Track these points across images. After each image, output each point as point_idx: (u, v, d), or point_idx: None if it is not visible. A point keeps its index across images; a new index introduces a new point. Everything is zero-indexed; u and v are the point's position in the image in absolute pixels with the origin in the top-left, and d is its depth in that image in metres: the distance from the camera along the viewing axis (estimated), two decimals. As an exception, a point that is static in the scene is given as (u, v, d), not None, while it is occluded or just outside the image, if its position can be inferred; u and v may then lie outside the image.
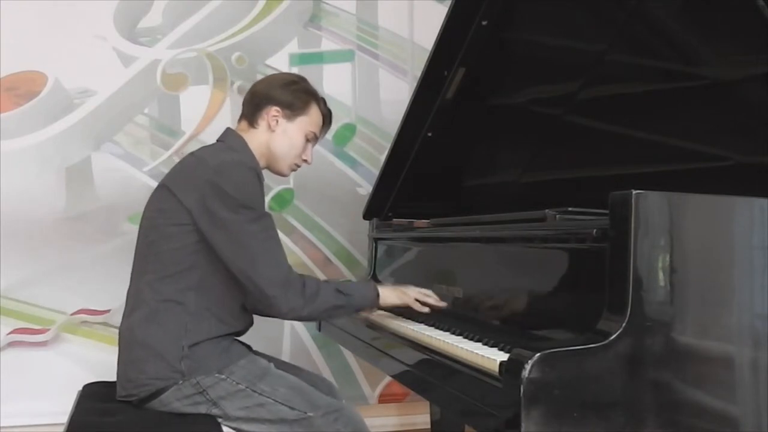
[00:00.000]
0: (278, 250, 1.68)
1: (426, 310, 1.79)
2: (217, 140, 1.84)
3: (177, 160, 2.60)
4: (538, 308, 1.49)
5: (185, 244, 1.66)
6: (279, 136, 1.83)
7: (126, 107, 2.82)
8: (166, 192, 1.71)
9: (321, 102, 1.88)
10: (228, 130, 1.85)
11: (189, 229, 1.65)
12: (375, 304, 1.78)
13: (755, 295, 1.25)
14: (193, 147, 2.36)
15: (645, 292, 1.18)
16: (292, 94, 1.83)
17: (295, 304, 1.64)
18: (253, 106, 1.83)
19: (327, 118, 1.91)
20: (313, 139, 1.88)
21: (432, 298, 1.81)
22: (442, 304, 1.80)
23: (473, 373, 1.35)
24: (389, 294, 1.80)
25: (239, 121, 1.87)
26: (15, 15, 2.70)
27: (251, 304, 1.75)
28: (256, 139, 1.82)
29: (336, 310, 1.74)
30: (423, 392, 1.69)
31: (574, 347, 1.15)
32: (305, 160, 1.89)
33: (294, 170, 1.91)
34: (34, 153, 2.75)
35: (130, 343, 1.68)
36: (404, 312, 1.86)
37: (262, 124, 1.83)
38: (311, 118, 1.86)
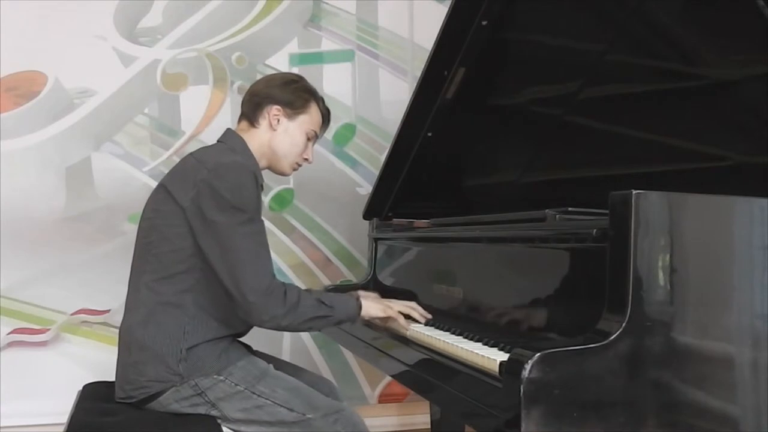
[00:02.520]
0: (265, 257, 1.65)
1: (409, 326, 1.76)
2: (218, 141, 1.84)
3: (177, 160, 2.60)
4: (538, 308, 1.49)
5: (184, 245, 1.65)
6: (281, 134, 1.83)
7: (126, 107, 2.83)
8: (164, 192, 1.71)
9: (320, 101, 1.89)
10: (228, 131, 1.85)
11: (187, 230, 1.65)
12: (356, 317, 1.75)
13: (755, 295, 1.25)
14: (193, 147, 2.36)
15: (645, 292, 1.18)
16: (293, 92, 1.84)
17: (275, 312, 1.60)
18: (254, 105, 1.83)
19: (326, 116, 1.91)
20: (313, 137, 1.89)
21: (416, 312, 1.79)
22: (426, 318, 1.79)
23: (473, 373, 1.35)
24: (372, 306, 1.77)
25: (239, 121, 1.87)
26: (15, 15, 2.70)
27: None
28: (258, 139, 1.82)
29: (316, 321, 1.69)
30: (423, 392, 1.69)
31: (574, 347, 1.15)
32: (306, 159, 1.89)
33: (295, 169, 1.91)
34: (34, 153, 2.75)
35: (129, 345, 1.68)
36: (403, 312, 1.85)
37: (264, 123, 1.83)
38: (311, 116, 1.86)
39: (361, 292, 1.97)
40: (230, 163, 1.67)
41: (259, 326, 1.66)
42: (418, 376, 1.66)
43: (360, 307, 1.74)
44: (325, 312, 1.68)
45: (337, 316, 1.71)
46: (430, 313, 1.80)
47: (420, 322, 1.78)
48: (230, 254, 1.60)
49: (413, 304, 1.82)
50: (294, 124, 1.84)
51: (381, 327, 1.87)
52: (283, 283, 1.65)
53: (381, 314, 1.77)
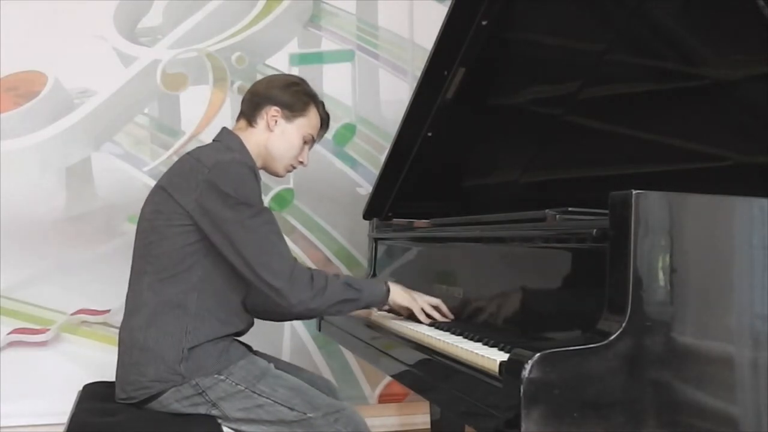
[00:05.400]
0: (281, 243, 1.67)
1: (428, 322, 1.76)
2: (213, 140, 1.85)
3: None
4: (538, 308, 1.49)
5: (184, 244, 1.65)
6: (277, 136, 1.83)
7: (126, 107, 2.83)
8: (163, 193, 1.71)
9: (320, 105, 1.89)
10: (224, 130, 1.85)
11: (187, 230, 1.65)
12: (385, 300, 1.76)
13: (755, 295, 1.25)
14: (193, 147, 2.36)
15: (645, 292, 1.18)
16: (293, 95, 1.84)
17: (303, 296, 1.62)
18: (253, 105, 1.84)
19: (325, 121, 1.91)
20: (310, 141, 1.88)
21: (439, 312, 1.77)
22: (449, 318, 1.77)
23: (473, 373, 1.35)
24: (400, 293, 1.78)
25: (237, 119, 1.87)
26: (15, 15, 2.70)
27: (251, 304, 1.75)
28: (254, 139, 1.82)
29: (345, 304, 1.70)
30: (423, 392, 1.69)
31: (574, 347, 1.15)
32: (301, 162, 1.89)
33: (289, 171, 1.91)
34: (34, 153, 2.75)
35: (131, 346, 1.68)
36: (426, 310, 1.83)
37: (261, 123, 1.83)
38: (310, 120, 1.86)
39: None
40: (229, 161, 1.68)
41: (290, 310, 1.65)
42: (418, 376, 1.66)
43: (388, 292, 1.75)
44: (353, 295, 1.69)
45: (365, 299, 1.73)
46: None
47: (444, 321, 1.76)
48: (246, 249, 1.61)
49: (438, 302, 1.79)
50: (291, 127, 1.84)
51: (380, 324, 1.87)
52: (309, 268, 1.67)
53: (406, 304, 1.78)
